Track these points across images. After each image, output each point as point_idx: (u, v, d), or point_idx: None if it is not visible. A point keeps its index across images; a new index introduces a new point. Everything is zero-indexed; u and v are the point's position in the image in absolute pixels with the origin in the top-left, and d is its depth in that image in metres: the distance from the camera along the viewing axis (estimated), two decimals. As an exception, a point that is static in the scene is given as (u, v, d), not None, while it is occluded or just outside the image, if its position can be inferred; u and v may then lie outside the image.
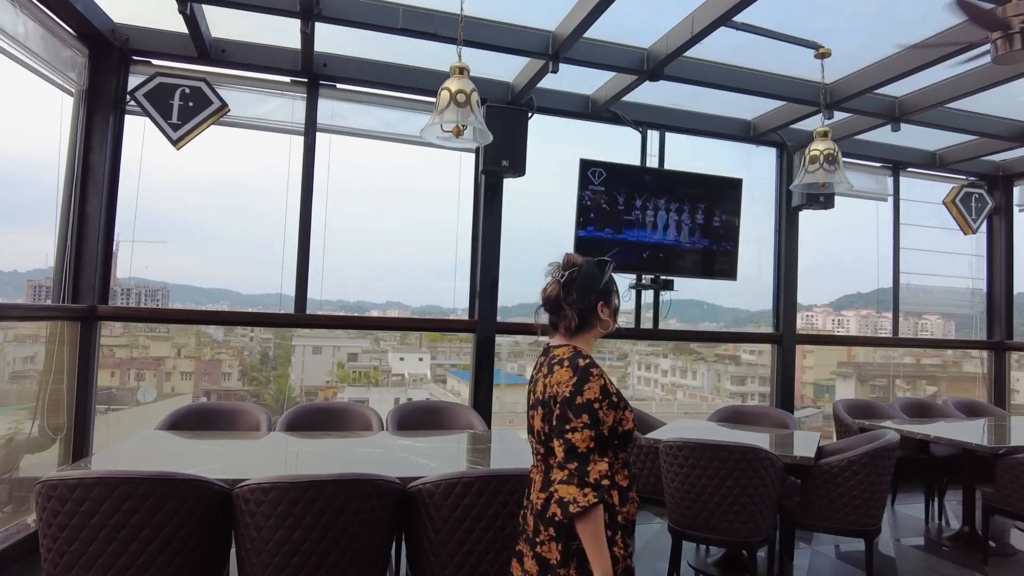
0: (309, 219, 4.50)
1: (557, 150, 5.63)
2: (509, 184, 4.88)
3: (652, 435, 3.65)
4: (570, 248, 4.84)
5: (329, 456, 2.98)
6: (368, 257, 5.30)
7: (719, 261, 5.28)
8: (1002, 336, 6.58)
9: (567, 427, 1.62)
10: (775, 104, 5.20)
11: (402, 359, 6.25)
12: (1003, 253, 6.63)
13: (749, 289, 5.96)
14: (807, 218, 5.83)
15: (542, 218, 5.66)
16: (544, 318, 1.89)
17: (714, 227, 5.25)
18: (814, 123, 5.59)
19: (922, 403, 5.47)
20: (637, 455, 3.83)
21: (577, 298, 1.81)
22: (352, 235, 5.16)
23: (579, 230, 4.83)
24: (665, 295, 5.28)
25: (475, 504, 2.26)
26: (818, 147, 3.70)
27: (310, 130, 4.55)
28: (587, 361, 1.72)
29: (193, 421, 3.49)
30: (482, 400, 4.68)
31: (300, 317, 4.39)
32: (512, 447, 3.22)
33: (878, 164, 6.18)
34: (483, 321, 4.74)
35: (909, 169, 6.33)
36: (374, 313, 5.28)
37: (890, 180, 6.31)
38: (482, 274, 4.77)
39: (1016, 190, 6.60)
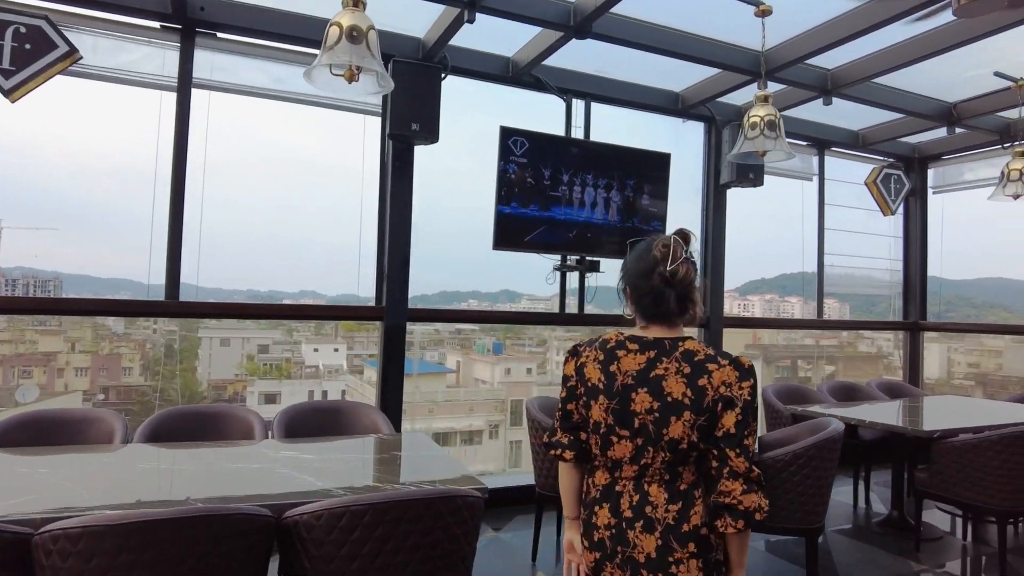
0: (182, 192, 3.82)
1: (474, 121, 5.16)
2: (423, 162, 4.36)
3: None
4: (490, 228, 4.38)
5: (189, 477, 2.39)
6: (267, 241, 4.68)
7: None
8: (916, 316, 6.64)
9: (746, 432, 1.52)
10: (705, 75, 4.92)
11: (316, 350, 5.96)
12: (918, 235, 6.68)
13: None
14: (732, 199, 5.61)
15: (460, 202, 5.18)
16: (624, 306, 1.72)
17: (643, 205, 4.92)
18: (744, 96, 5.38)
19: (849, 386, 5.38)
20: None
21: (698, 281, 1.63)
22: (243, 212, 4.52)
23: (501, 205, 4.37)
24: (591, 278, 4.92)
25: (368, 538, 1.77)
26: (758, 113, 3.39)
27: (184, 86, 3.87)
28: (748, 361, 1.58)
29: (26, 434, 2.81)
30: (391, 397, 4.16)
31: (170, 305, 3.72)
32: (426, 454, 2.74)
33: (804, 142, 6.05)
34: (392, 307, 4.21)
35: (833, 148, 6.24)
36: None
37: (815, 159, 6.20)
38: (391, 254, 4.23)
39: (930, 172, 6.65)
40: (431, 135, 4.00)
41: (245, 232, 4.59)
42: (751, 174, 5.17)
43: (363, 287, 4.47)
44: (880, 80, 4.86)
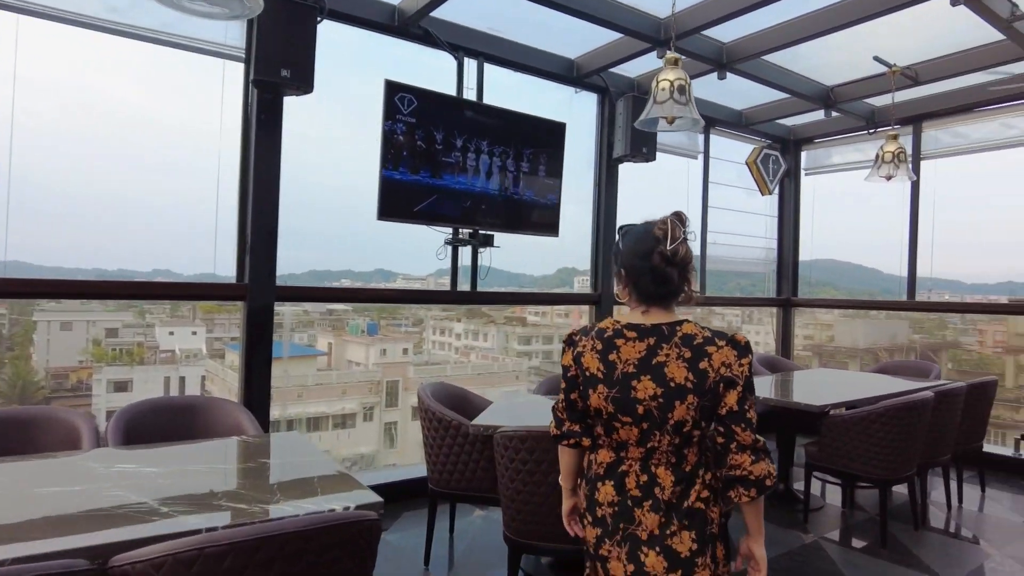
0: None
1: (355, 81, 4.63)
2: (293, 125, 3.79)
3: (482, 421, 2.93)
4: (365, 203, 3.92)
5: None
6: (112, 213, 3.91)
7: (542, 215, 4.70)
8: (789, 293, 6.93)
9: (747, 407, 1.57)
10: (601, 42, 4.70)
11: (172, 333, 5.48)
12: (792, 215, 6.95)
13: (567, 247, 5.52)
14: (623, 174, 5.47)
15: (335, 173, 4.64)
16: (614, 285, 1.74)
17: (539, 177, 4.64)
18: (638, 68, 5.23)
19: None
20: (462, 444, 3.09)
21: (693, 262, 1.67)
22: (78, 175, 3.74)
23: (387, 171, 3.91)
24: (484, 252, 4.58)
25: (229, 589, 1.34)
26: (668, 76, 3.18)
27: (-20, 4, 3.06)
28: (744, 338, 1.62)
29: None
30: (257, 387, 3.61)
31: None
32: (301, 460, 2.29)
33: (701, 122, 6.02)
34: (257, 286, 3.64)
35: (719, 127, 6.29)
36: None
37: (701, 137, 6.22)
38: (255, 225, 3.65)
39: (803, 154, 6.91)
40: (304, 84, 3.44)
41: (81, 200, 3.81)
42: (644, 148, 5.04)
43: (222, 264, 3.86)
44: (769, 58, 4.89)
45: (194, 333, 5.51)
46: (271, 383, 3.70)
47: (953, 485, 4.40)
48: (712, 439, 1.61)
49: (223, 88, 3.82)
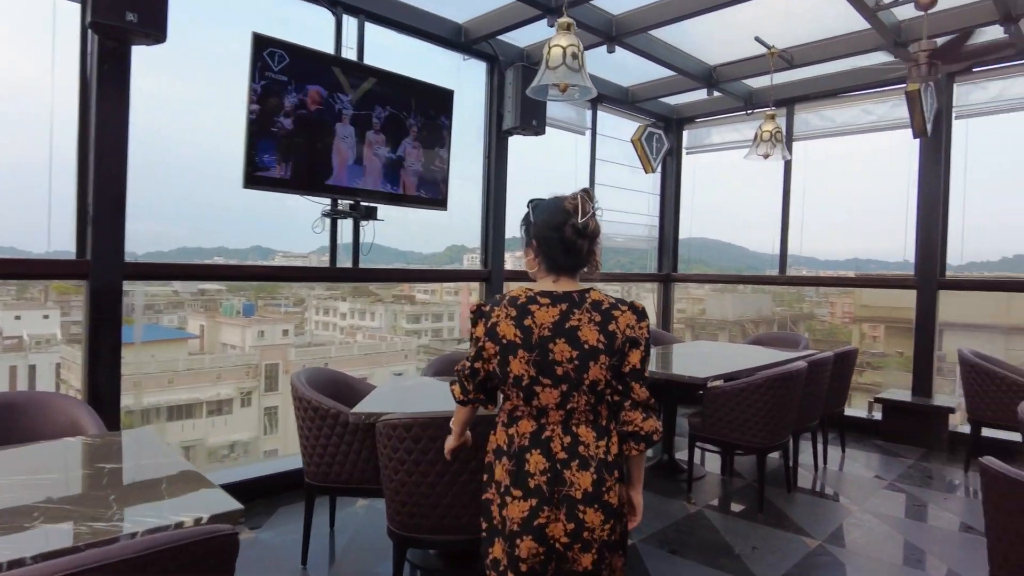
0: None
1: (220, 31, 4.17)
2: (149, 83, 3.33)
3: (363, 408, 2.71)
4: (238, 164, 3.53)
5: None
6: None
7: (430, 188, 4.48)
8: (669, 269, 7.14)
9: (646, 367, 1.72)
10: (490, 6, 4.52)
11: (18, 317, 4.98)
12: (673, 193, 7.13)
13: (457, 224, 5.35)
14: (512, 147, 5.34)
15: (201, 140, 4.18)
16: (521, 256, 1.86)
17: (427, 146, 4.40)
18: (528, 37, 5.09)
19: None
20: (341, 434, 2.85)
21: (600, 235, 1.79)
22: None
23: (255, 134, 3.53)
24: (367, 227, 4.30)
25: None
26: (561, 42, 3.05)
27: None
28: (641, 304, 1.75)
29: None
30: (104, 378, 3.17)
31: None
32: (149, 463, 1.98)
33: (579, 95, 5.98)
34: (100, 262, 3.18)
35: (606, 103, 6.30)
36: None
37: (589, 113, 6.20)
38: (97, 193, 3.17)
39: (685, 134, 7.10)
40: (155, 31, 3.00)
41: None
42: (535, 121, 4.92)
43: (59, 239, 3.35)
44: (657, 34, 4.90)
45: (46, 317, 4.97)
46: (121, 372, 3.27)
47: (820, 448, 4.69)
48: (610, 396, 1.72)
49: (55, 33, 3.29)
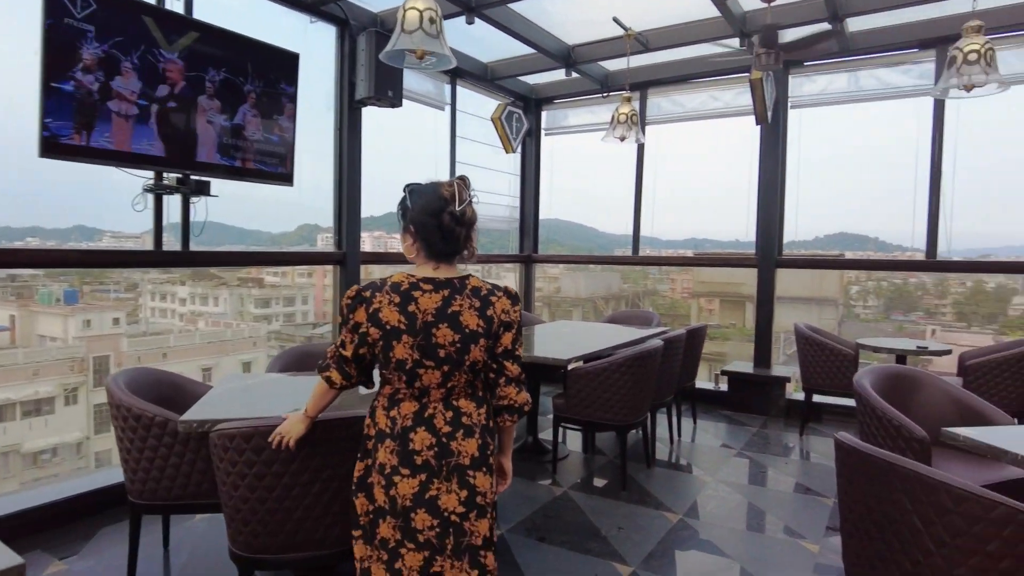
0: None
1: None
2: None
3: (195, 415, 2.34)
4: (33, 128, 2.95)
5: None
6: None
7: (273, 161, 4.05)
8: (530, 250, 7.13)
9: (517, 346, 1.85)
10: (339, -36, 4.14)
11: None
12: (533, 174, 7.11)
13: (308, 202, 4.94)
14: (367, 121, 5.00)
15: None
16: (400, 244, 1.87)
17: (268, 116, 3.96)
18: (381, 1, 4.77)
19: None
20: (170, 445, 2.47)
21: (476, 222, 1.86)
22: None
23: (53, 97, 2.95)
24: (198, 203, 3.81)
25: None
26: (417, 5, 2.80)
27: None
28: (514, 289, 1.87)
29: None
30: None
31: None
32: None
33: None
34: None
35: (466, 78, 6.10)
36: None
37: (448, 88, 5.97)
38: None
39: (544, 114, 7.08)
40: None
41: None
42: (390, 91, 4.61)
43: None
44: (517, 8, 4.77)
45: None
46: None
47: (674, 421, 4.87)
48: (485, 373, 1.83)
49: None
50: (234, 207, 4.49)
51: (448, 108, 5.97)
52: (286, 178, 4.15)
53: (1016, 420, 2.93)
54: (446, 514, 1.71)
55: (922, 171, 5.22)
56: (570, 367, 3.87)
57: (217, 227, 4.45)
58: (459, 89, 6.09)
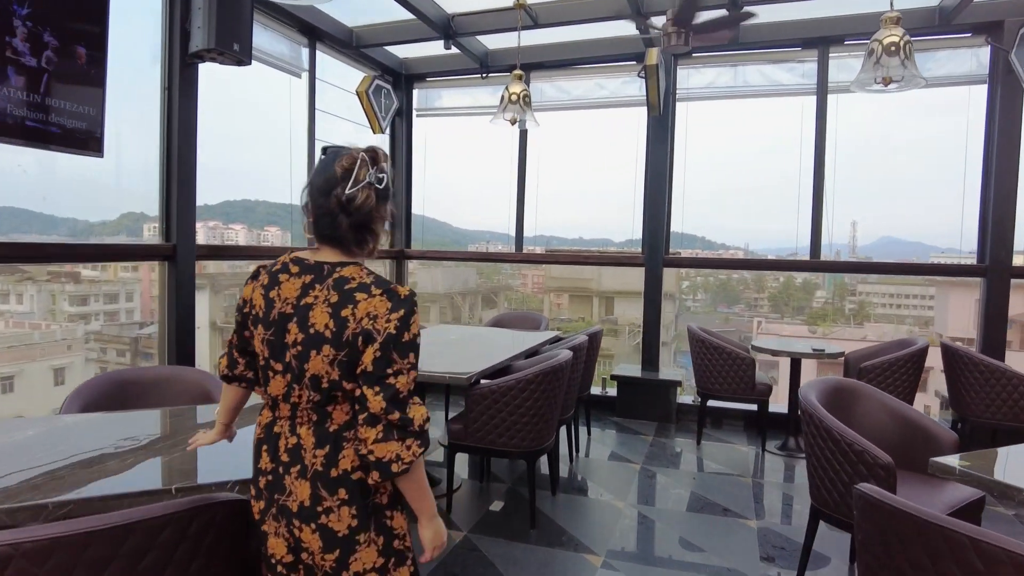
0: None
1: None
2: None
3: None
4: None
5: None
6: None
7: (75, 123, 3.01)
8: (402, 245, 6.38)
9: (389, 371, 1.33)
10: None
11: None
12: (404, 160, 6.35)
13: (133, 186, 3.90)
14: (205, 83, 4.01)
15: None
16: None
17: (67, 66, 2.91)
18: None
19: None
20: None
21: (387, 208, 1.45)
22: None
23: None
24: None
25: None
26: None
27: None
28: (407, 290, 1.41)
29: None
30: None
31: None
32: None
33: (292, 26, 4.82)
34: None
35: (326, 42, 5.21)
36: None
37: (306, 52, 5.06)
38: None
39: (416, 93, 6.34)
40: None
41: None
42: (236, 44, 3.67)
43: None
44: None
45: None
46: None
47: (573, 435, 4.41)
48: (347, 399, 1.41)
49: None
50: (39, 188, 3.42)
51: (306, 76, 5.07)
52: (90, 145, 3.12)
53: (956, 432, 2.75)
54: (274, 561, 1.45)
55: (805, 172, 5.20)
56: (473, 385, 3.24)
57: (17, 212, 3.43)
58: (319, 55, 5.20)
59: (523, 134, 5.92)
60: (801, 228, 5.23)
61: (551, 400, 3.32)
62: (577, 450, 4.46)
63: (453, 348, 4.07)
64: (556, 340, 4.66)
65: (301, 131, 5.08)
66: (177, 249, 3.79)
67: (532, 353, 4.13)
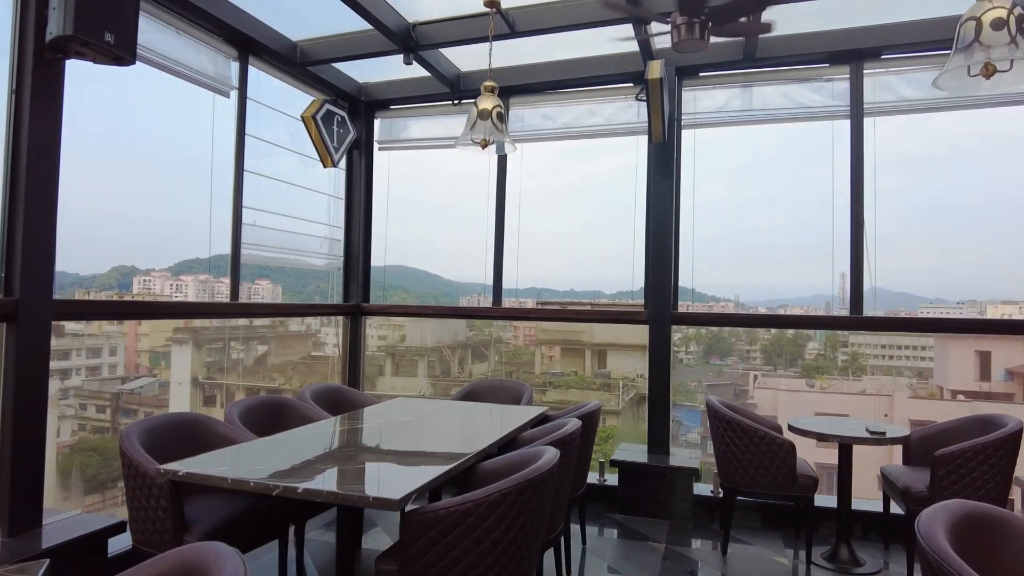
0: None
1: None
2: None
3: None
4: None
5: None
6: None
7: None
8: (359, 299, 5.38)
9: None
10: None
11: None
12: (362, 199, 5.41)
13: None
14: (78, 87, 3.10)
15: None
16: None
17: None
18: None
19: (273, 403, 3.59)
20: None
21: None
22: None
23: None
24: None
25: None
26: None
27: None
28: None
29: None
30: None
31: None
32: None
33: (216, 33, 3.95)
34: None
35: (263, 56, 4.34)
36: None
37: (235, 66, 4.18)
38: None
39: (377, 123, 5.46)
40: None
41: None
42: (111, 33, 2.75)
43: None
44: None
45: None
46: None
47: (562, 554, 3.32)
48: None
49: None
50: None
51: (235, 94, 4.17)
52: None
53: None
54: None
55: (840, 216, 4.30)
56: (407, 509, 2.21)
57: None
58: (256, 73, 4.33)
59: (502, 164, 5.01)
60: (807, 277, 4.35)
61: (530, 524, 2.27)
62: (568, 569, 3.36)
63: (397, 438, 3.04)
64: (543, 420, 3.64)
65: (226, 156, 4.15)
66: (21, 306, 2.77)
67: (508, 443, 3.10)
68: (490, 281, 5.01)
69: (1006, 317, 4.57)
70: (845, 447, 3.61)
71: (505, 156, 4.95)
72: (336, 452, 2.74)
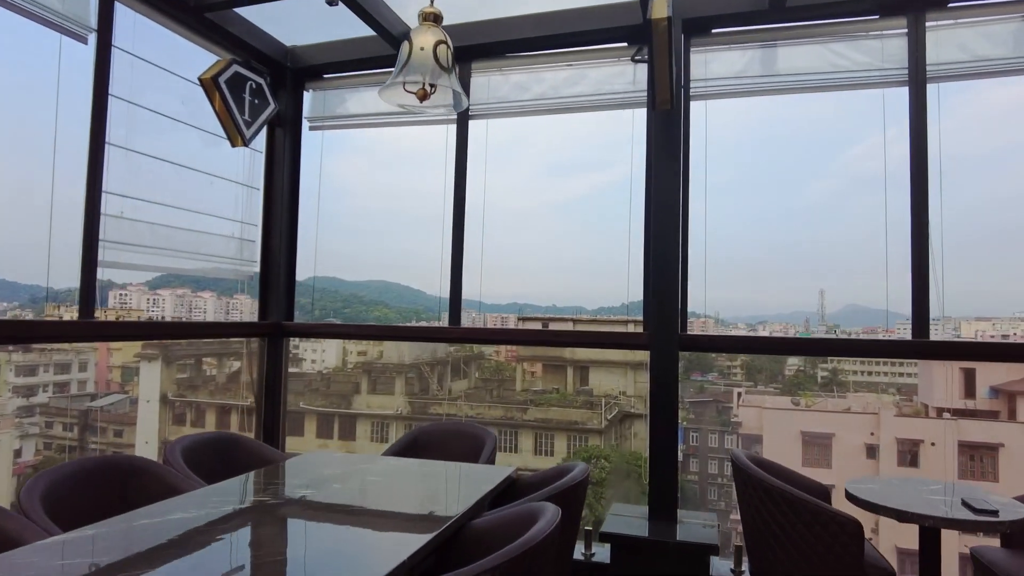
0: None
1: None
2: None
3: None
4: None
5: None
6: None
7: None
8: (280, 316, 4.25)
9: None
10: None
11: None
12: (286, 189, 4.31)
13: None
14: None
15: None
16: None
17: None
18: None
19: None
20: None
21: None
22: None
23: None
24: None
25: None
26: None
27: None
28: None
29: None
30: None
31: None
32: None
33: (64, -49, 2.87)
34: None
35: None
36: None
37: (95, 3, 3.09)
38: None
39: (307, 96, 4.38)
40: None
41: None
42: None
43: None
44: None
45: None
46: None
47: None
48: None
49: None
50: None
51: (94, 37, 3.07)
52: None
53: None
54: None
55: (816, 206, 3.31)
56: None
57: None
58: (128, 12, 3.24)
59: (462, 126, 3.95)
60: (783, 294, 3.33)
61: None
62: None
63: (294, 530, 1.94)
64: (508, 485, 2.59)
65: (78, 127, 3.04)
66: None
67: (457, 529, 2.02)
68: (474, 296, 3.95)
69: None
70: (930, 530, 2.57)
71: (466, 143, 3.91)
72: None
